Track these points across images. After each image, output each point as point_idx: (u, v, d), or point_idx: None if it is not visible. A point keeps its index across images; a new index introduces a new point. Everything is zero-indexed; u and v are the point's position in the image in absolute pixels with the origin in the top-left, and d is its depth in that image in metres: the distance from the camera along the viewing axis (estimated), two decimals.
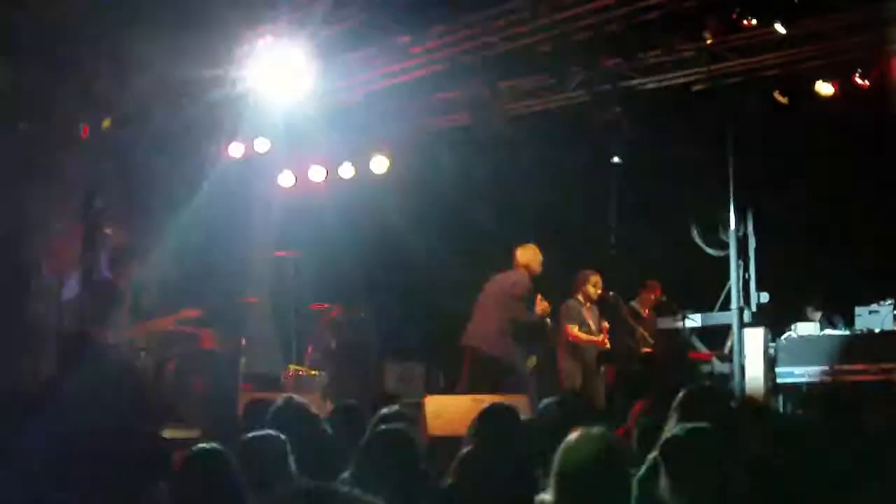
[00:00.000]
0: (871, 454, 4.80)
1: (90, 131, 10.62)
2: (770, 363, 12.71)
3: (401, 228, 14.41)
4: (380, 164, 14.16)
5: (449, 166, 14.20)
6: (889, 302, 12.26)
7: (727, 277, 13.62)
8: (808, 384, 12.20)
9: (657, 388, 7.87)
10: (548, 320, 10.90)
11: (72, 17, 9.92)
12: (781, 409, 11.97)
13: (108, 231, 11.07)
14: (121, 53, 10.47)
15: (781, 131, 12.72)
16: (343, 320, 12.82)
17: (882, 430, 6.56)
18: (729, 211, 13.60)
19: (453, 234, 14.19)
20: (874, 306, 12.31)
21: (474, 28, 11.57)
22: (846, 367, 11.97)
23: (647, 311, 12.15)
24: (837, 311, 12.70)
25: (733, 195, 13.60)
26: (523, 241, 12.47)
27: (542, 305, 10.74)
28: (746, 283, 13.59)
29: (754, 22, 10.64)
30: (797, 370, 12.31)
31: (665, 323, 12.66)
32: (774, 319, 13.12)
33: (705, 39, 11.52)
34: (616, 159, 13.51)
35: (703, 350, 13.64)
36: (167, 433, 7.55)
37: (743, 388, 12.70)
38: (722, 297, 13.80)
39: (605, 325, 11.61)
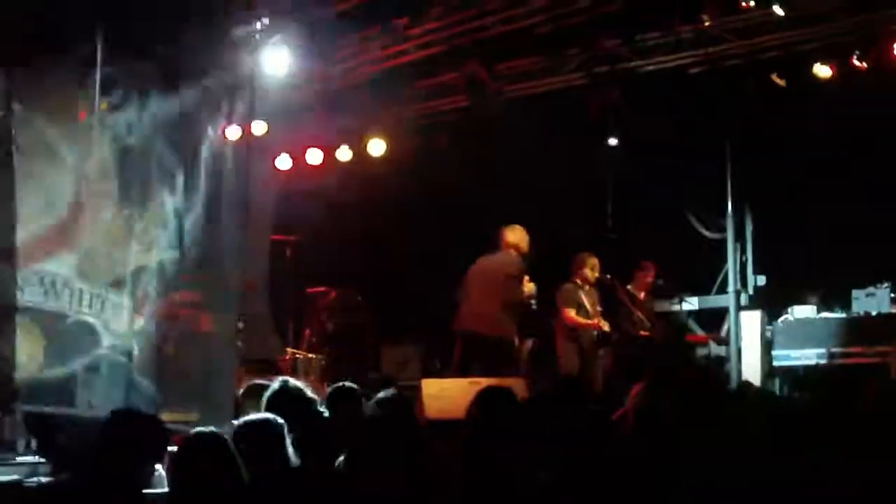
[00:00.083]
0: (867, 436, 4.81)
1: (87, 114, 10.57)
2: (767, 346, 12.74)
3: (398, 211, 14.41)
4: (377, 147, 14.14)
5: (446, 149, 14.19)
6: (886, 285, 12.26)
7: (725, 260, 13.65)
8: (805, 367, 12.22)
9: (655, 371, 7.88)
10: (532, 302, 10.86)
11: None
12: (778, 392, 11.99)
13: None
14: (118, 34, 10.44)
15: (779, 114, 12.70)
16: (340, 304, 12.81)
17: (878, 413, 6.57)
18: (726, 193, 13.62)
19: (450, 217, 14.18)
20: (871, 289, 12.31)
21: (471, 10, 11.55)
22: (843, 349, 11.99)
23: (642, 294, 12.14)
24: (834, 293, 12.69)
25: (731, 178, 13.61)
26: (521, 223, 12.49)
27: (528, 287, 10.72)
28: (743, 265, 13.62)
29: (752, 3, 10.62)
30: (794, 353, 12.33)
31: (662, 306, 12.66)
32: (771, 302, 13.14)
33: (703, 21, 11.50)
34: (613, 141, 13.49)
35: (701, 333, 13.66)
36: (164, 416, 7.54)
37: (740, 371, 12.73)
38: (719, 279, 13.83)
39: (598, 309, 11.59)
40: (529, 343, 13.16)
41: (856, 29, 11.40)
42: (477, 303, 10.61)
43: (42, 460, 6.25)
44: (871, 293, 12.29)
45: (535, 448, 4.63)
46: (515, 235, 10.84)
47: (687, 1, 11.13)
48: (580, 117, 12.97)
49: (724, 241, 13.75)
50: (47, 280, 9.32)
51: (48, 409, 7.24)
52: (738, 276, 13.66)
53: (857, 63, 11.39)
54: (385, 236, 14.46)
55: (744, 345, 13.02)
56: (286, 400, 5.61)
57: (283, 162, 14.50)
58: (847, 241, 12.48)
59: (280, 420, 4.98)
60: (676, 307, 12.65)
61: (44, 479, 5.49)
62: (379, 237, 14.48)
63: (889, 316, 12.08)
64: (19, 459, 6.65)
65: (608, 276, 11.69)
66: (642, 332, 11.64)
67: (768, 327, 12.79)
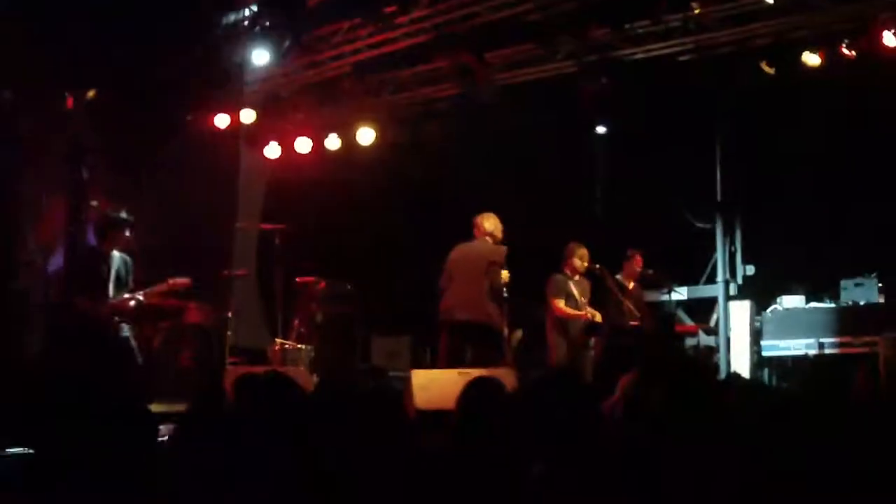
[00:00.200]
0: (856, 426, 4.80)
1: (75, 101, 10.56)
2: (756, 336, 12.77)
3: (388, 200, 14.40)
4: (366, 136, 14.12)
5: (435, 137, 14.17)
6: (874, 275, 12.29)
7: (714, 250, 13.66)
8: (794, 357, 12.24)
9: (644, 362, 7.87)
10: (504, 290, 10.83)
11: None
12: (767, 382, 12.01)
13: (94, 203, 11.01)
14: (106, 22, 10.42)
15: (768, 103, 12.71)
16: (329, 294, 12.78)
17: (866, 402, 6.58)
18: (716, 182, 13.62)
19: (439, 206, 14.17)
20: (859, 279, 12.33)
21: None
22: (832, 339, 12.02)
23: (632, 283, 12.13)
24: (823, 283, 12.71)
25: (720, 166, 13.61)
26: (510, 212, 12.46)
27: (503, 274, 10.72)
28: (732, 255, 13.63)
29: None
30: (783, 343, 12.36)
31: (652, 296, 12.67)
32: (760, 292, 13.16)
33: (693, 9, 11.49)
34: (601, 129, 13.49)
35: (690, 323, 13.67)
36: (153, 407, 7.51)
37: (729, 361, 12.75)
38: (708, 269, 13.84)
39: (583, 300, 11.57)
40: (519, 334, 13.15)
41: (845, 17, 11.39)
42: (464, 290, 10.58)
43: None
44: (860, 283, 12.32)
45: (526, 439, 4.62)
46: (491, 223, 10.83)
47: None
48: (570, 105, 12.94)
49: (713, 231, 13.76)
50: None
51: None
52: (727, 265, 13.68)
53: (846, 51, 11.39)
54: (375, 225, 14.45)
55: (733, 335, 13.04)
56: (276, 390, 5.59)
57: (272, 150, 14.48)
58: (836, 231, 12.51)
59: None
60: (665, 297, 12.64)
61: None
62: (368, 226, 14.46)
63: (877, 306, 12.11)
64: None
65: (597, 266, 11.68)
66: (632, 322, 11.62)
67: (757, 317, 12.81)
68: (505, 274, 10.67)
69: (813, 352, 12.08)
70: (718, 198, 13.64)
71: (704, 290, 13.88)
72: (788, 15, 11.53)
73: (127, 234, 9.30)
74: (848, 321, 12.09)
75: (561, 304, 11.44)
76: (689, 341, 13.13)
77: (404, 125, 14.33)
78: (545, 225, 13.59)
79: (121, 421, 4.58)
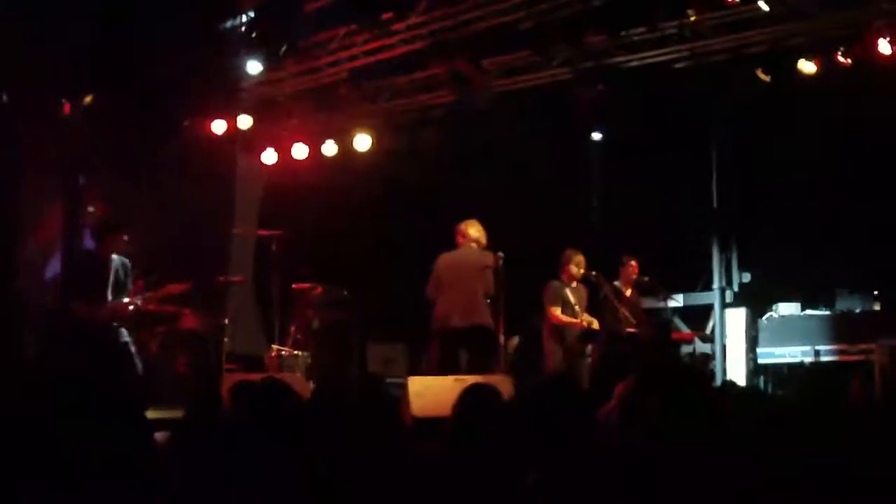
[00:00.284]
0: (851, 434, 4.82)
1: (72, 107, 10.56)
2: (752, 343, 12.78)
3: (384, 206, 14.40)
4: (363, 142, 14.13)
5: (432, 144, 14.18)
6: (870, 282, 12.31)
7: (710, 257, 13.67)
8: (790, 364, 12.26)
9: (641, 369, 7.88)
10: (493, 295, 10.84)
11: None
12: (763, 389, 12.02)
13: (90, 209, 11.02)
14: (103, 26, 10.43)
15: (765, 109, 12.74)
16: (326, 300, 12.77)
17: (862, 410, 6.59)
18: (712, 189, 13.64)
19: (436, 212, 14.17)
20: (855, 286, 12.37)
21: (457, 4, 11.54)
22: (827, 347, 12.03)
23: (629, 290, 12.13)
24: (818, 291, 12.73)
25: (716, 173, 13.63)
26: (507, 219, 12.48)
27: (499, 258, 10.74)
28: (728, 263, 13.64)
29: None
30: (778, 350, 12.37)
31: (648, 303, 12.68)
32: (756, 299, 13.17)
33: (689, 16, 11.51)
34: (597, 136, 13.51)
35: (686, 330, 13.68)
36: (149, 414, 7.51)
37: (724, 369, 12.76)
38: (704, 277, 13.85)
39: (576, 308, 11.57)
40: (515, 341, 13.17)
41: (840, 25, 11.42)
42: (459, 297, 10.55)
43: None
44: (855, 291, 12.34)
45: (522, 446, 4.63)
46: (476, 229, 10.82)
47: None
48: (566, 113, 12.96)
49: (709, 238, 13.77)
50: None
51: None
52: (723, 273, 13.70)
53: (841, 59, 11.41)
54: (371, 232, 14.45)
55: (728, 342, 13.06)
56: (273, 397, 5.59)
57: (269, 156, 14.49)
58: (831, 238, 12.53)
59: None
60: (662, 304, 12.66)
61: None
62: (365, 232, 14.46)
63: (873, 313, 12.13)
64: None
65: (594, 273, 11.69)
66: (628, 329, 11.63)
67: (753, 325, 12.82)
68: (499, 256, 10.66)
69: (809, 359, 12.10)
70: (714, 205, 13.65)
71: (700, 298, 13.89)
72: (783, 22, 11.56)
73: (125, 237, 9.29)
74: (844, 328, 12.11)
75: (557, 311, 11.45)
76: (686, 348, 13.15)
77: (401, 132, 14.34)
78: (541, 232, 13.61)
79: (117, 426, 4.59)
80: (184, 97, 11.82)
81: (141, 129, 11.20)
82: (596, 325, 11.56)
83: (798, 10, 10.94)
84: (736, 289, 13.62)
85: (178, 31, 10.77)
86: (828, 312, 12.42)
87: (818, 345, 12.07)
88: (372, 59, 12.75)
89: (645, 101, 12.84)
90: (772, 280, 13.24)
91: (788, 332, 12.42)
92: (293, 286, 12.51)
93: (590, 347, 11.75)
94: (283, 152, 14.40)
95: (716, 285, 13.58)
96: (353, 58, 12.82)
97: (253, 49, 11.14)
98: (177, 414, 7.12)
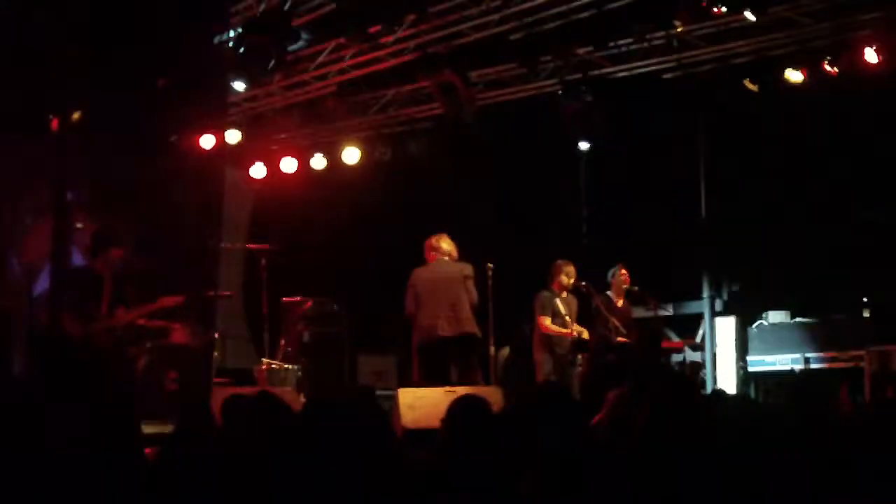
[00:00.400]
0: (841, 441, 4.83)
1: (59, 123, 10.54)
2: (742, 352, 12.78)
3: (373, 220, 14.40)
4: (351, 155, 14.15)
5: (420, 157, 14.19)
6: (859, 289, 12.33)
7: (699, 266, 13.67)
8: (780, 372, 12.26)
9: (631, 378, 7.89)
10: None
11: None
12: (753, 398, 12.02)
13: (79, 225, 11.00)
14: (90, 43, 10.43)
15: (752, 119, 12.78)
16: (316, 313, 12.77)
17: (851, 417, 6.60)
18: (700, 198, 13.66)
19: (426, 225, 14.16)
20: (843, 293, 12.39)
21: (445, 17, 11.57)
22: (817, 354, 12.04)
23: (620, 300, 12.12)
24: (808, 298, 12.75)
25: (704, 183, 13.65)
26: (496, 230, 12.52)
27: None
28: (718, 271, 13.65)
29: (724, 9, 10.65)
30: (768, 358, 12.38)
31: (638, 312, 12.69)
32: (746, 308, 13.18)
33: (675, 27, 11.55)
34: (584, 146, 13.53)
35: (676, 339, 13.68)
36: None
37: (715, 377, 12.77)
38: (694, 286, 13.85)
39: (568, 319, 11.57)
40: (506, 351, 13.17)
41: (826, 34, 11.48)
42: (445, 307, 10.51)
43: None
44: (844, 297, 12.36)
45: (513, 456, 4.63)
46: (447, 242, 10.81)
47: (659, 7, 11.16)
48: (554, 124, 12.98)
49: (699, 246, 13.78)
50: None
51: None
52: (713, 281, 13.71)
53: (828, 68, 11.46)
54: (361, 245, 14.45)
55: (719, 350, 13.06)
56: (265, 410, 5.58)
57: (258, 170, 14.50)
58: (821, 245, 12.55)
59: None
60: (651, 313, 12.66)
61: None
62: (355, 246, 14.46)
63: (862, 320, 12.15)
64: None
65: (583, 284, 11.69)
66: (619, 339, 11.64)
67: (743, 333, 12.83)
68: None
69: (799, 367, 12.10)
70: (703, 214, 13.67)
71: (690, 306, 13.90)
72: (769, 32, 11.61)
73: (119, 253, 9.30)
74: (833, 336, 12.12)
75: (547, 321, 11.45)
76: (676, 357, 13.15)
77: (390, 144, 14.36)
78: (531, 242, 13.63)
79: (108, 443, 4.58)
80: (172, 112, 11.82)
81: (128, 145, 11.17)
82: (586, 335, 11.57)
83: None
84: (725, 297, 13.63)
85: (166, 46, 10.77)
86: (818, 320, 12.43)
87: (808, 352, 12.08)
88: (360, 72, 12.77)
89: (632, 111, 12.88)
90: (761, 288, 13.25)
91: (778, 339, 12.43)
92: (283, 300, 12.50)
93: (580, 357, 11.75)
94: (272, 166, 14.41)
95: (705, 294, 13.59)
96: (341, 71, 12.85)
97: (241, 64, 11.13)
98: (167, 428, 7.12)
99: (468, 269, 10.64)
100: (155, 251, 10.81)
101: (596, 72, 12.58)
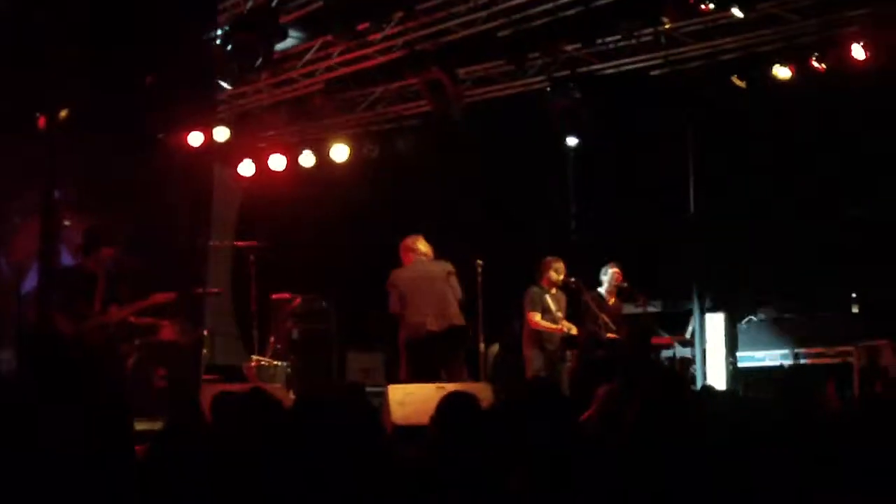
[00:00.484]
0: (829, 436, 4.84)
1: (47, 122, 10.52)
2: (731, 347, 12.79)
3: (361, 217, 14.40)
4: (340, 152, 14.14)
5: (408, 154, 14.20)
6: (847, 285, 12.37)
7: (689, 262, 13.68)
8: (769, 368, 12.28)
9: (620, 374, 7.92)
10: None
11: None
12: (742, 393, 12.04)
13: (66, 223, 10.99)
14: (78, 40, 10.41)
15: (740, 115, 12.80)
16: (305, 310, 12.78)
17: (839, 412, 6.62)
18: (689, 194, 13.67)
19: (415, 222, 14.17)
20: (833, 289, 12.42)
21: (432, 14, 11.56)
22: (806, 350, 12.06)
23: (612, 298, 12.13)
24: (797, 294, 12.77)
25: (693, 179, 13.66)
26: (485, 227, 12.52)
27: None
28: (707, 267, 13.66)
29: (712, 6, 10.67)
30: (758, 354, 12.40)
31: (627, 308, 12.70)
32: (735, 304, 13.20)
33: (663, 24, 11.56)
34: (571, 140, 13.53)
35: (665, 335, 13.69)
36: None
37: (705, 373, 12.78)
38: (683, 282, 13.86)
39: (559, 315, 11.58)
40: (495, 348, 13.18)
41: (813, 31, 11.50)
42: (432, 303, 10.48)
43: None
44: (832, 293, 12.39)
45: (503, 452, 4.63)
46: (423, 243, 10.80)
47: (646, 4, 11.18)
48: (542, 121, 12.99)
49: (688, 242, 13.79)
50: None
51: None
52: (702, 277, 13.71)
53: (815, 65, 11.49)
54: (349, 242, 14.45)
55: (708, 347, 13.07)
56: (258, 407, 5.57)
57: (246, 168, 14.49)
58: (810, 241, 12.58)
59: None
60: (640, 309, 12.68)
61: None
62: (343, 243, 14.46)
63: (851, 316, 12.18)
64: None
65: (573, 280, 11.70)
66: (608, 335, 11.66)
67: (732, 329, 12.84)
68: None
69: (788, 362, 12.12)
70: (691, 210, 13.68)
71: (679, 303, 13.91)
72: (757, 29, 11.63)
73: (112, 251, 9.30)
74: (822, 331, 12.14)
75: (537, 317, 11.46)
76: (665, 353, 13.16)
77: (377, 141, 14.36)
78: (519, 240, 13.65)
79: (101, 441, 4.58)
80: (160, 110, 11.80)
81: (117, 142, 11.16)
82: (574, 331, 11.58)
83: None
84: (715, 293, 13.64)
85: (155, 44, 10.76)
86: (806, 316, 12.45)
87: (797, 348, 12.10)
88: (348, 69, 12.77)
89: (621, 108, 12.90)
90: (750, 284, 13.27)
91: (768, 335, 12.44)
92: (272, 297, 12.50)
93: (569, 353, 11.76)
94: (261, 163, 14.40)
95: (695, 290, 13.60)
96: (329, 69, 12.84)
97: (229, 61, 11.11)
98: (156, 425, 7.11)
99: (450, 266, 10.63)
100: (143, 249, 10.79)
101: (584, 68, 12.60)
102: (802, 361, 12.01)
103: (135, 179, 11.47)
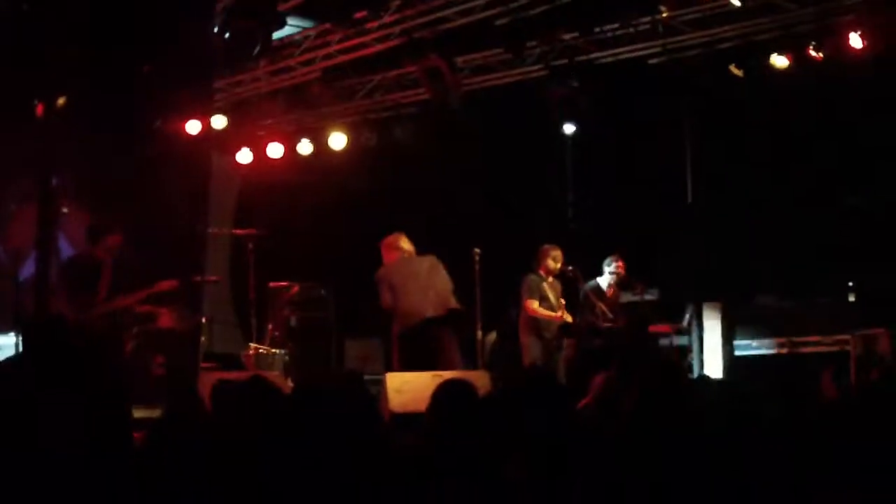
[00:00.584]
0: (825, 425, 4.86)
1: (44, 109, 10.51)
2: (728, 336, 12.80)
3: (359, 205, 14.41)
4: (338, 141, 14.15)
5: (406, 142, 14.20)
6: (844, 273, 12.38)
7: (685, 250, 13.69)
8: (766, 356, 12.30)
9: (617, 363, 7.92)
10: None
11: None
12: (739, 382, 12.06)
13: (64, 210, 11.00)
14: (75, 28, 10.40)
15: (738, 104, 12.80)
16: (303, 298, 12.79)
17: (836, 400, 6.64)
18: (686, 183, 13.68)
19: (413, 210, 14.19)
20: (828, 278, 12.43)
21: (430, 2, 11.56)
22: (803, 338, 12.08)
23: (612, 289, 12.12)
24: (795, 283, 12.79)
25: (690, 167, 13.67)
26: (483, 215, 12.52)
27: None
28: (704, 255, 13.66)
29: None
30: (755, 342, 12.42)
31: (624, 297, 12.71)
32: (733, 292, 13.20)
33: (661, 12, 11.57)
34: (568, 128, 13.51)
35: (662, 324, 13.70)
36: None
37: (702, 361, 12.80)
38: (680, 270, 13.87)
39: (562, 301, 11.60)
40: (493, 336, 13.18)
41: (811, 19, 11.51)
42: (426, 292, 10.46)
43: None
44: (829, 282, 12.40)
45: (500, 440, 4.65)
46: (406, 242, 10.80)
47: None
48: (540, 110, 13.00)
49: (686, 230, 13.79)
50: None
51: None
52: (699, 265, 13.72)
53: (813, 53, 11.50)
54: (347, 230, 14.45)
55: (705, 335, 13.08)
56: (258, 395, 5.58)
57: (244, 156, 14.49)
58: (807, 229, 12.59)
59: None
60: (637, 297, 12.69)
61: None
62: (341, 231, 14.47)
63: (849, 304, 12.20)
64: None
65: (570, 268, 11.71)
66: (605, 324, 11.67)
67: (730, 317, 12.85)
68: None
69: (785, 351, 12.14)
70: (689, 198, 13.69)
71: (677, 291, 13.91)
72: (754, 17, 11.63)
73: (119, 239, 9.40)
74: (819, 320, 12.16)
75: (535, 304, 11.46)
76: (662, 341, 13.17)
77: (376, 130, 14.37)
78: (517, 228, 13.65)
79: (96, 428, 4.59)
80: (157, 98, 11.80)
81: (113, 130, 11.15)
82: (570, 319, 11.59)
83: None
84: (712, 282, 13.64)
85: (152, 32, 10.75)
86: (803, 304, 12.46)
87: (794, 336, 12.12)
88: (346, 57, 12.76)
89: (618, 96, 12.91)
90: (747, 273, 13.28)
91: (765, 324, 12.47)
92: (270, 285, 12.52)
93: (566, 341, 11.77)
94: (259, 151, 14.41)
95: (692, 278, 13.60)
96: (327, 56, 12.84)
97: (227, 49, 11.11)
98: (154, 413, 7.12)
99: (434, 259, 10.65)
100: (141, 237, 10.80)
101: (582, 57, 12.60)
102: (799, 350, 12.04)
103: (132, 167, 11.46)
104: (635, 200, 13.76)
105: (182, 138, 12.64)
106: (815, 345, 12.00)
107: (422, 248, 10.88)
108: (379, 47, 12.43)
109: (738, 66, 12.05)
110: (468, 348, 10.99)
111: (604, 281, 12.05)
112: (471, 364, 10.92)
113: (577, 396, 6.35)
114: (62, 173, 10.96)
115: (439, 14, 11.75)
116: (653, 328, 12.91)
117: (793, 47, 11.70)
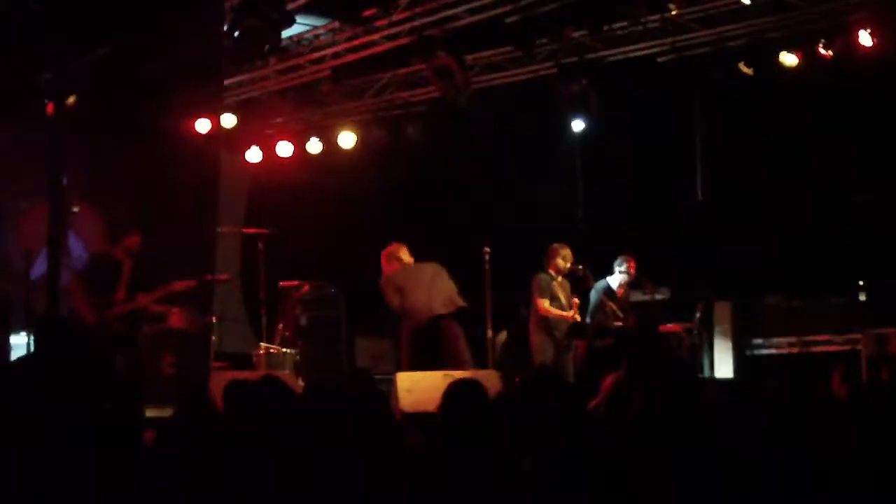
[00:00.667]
0: (837, 424, 4.85)
1: (55, 108, 10.53)
2: (739, 335, 12.78)
3: (370, 203, 14.41)
4: (347, 139, 14.16)
5: (416, 140, 14.20)
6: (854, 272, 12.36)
7: (696, 249, 13.66)
8: (777, 355, 12.28)
9: (628, 362, 7.92)
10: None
11: None
12: (750, 381, 12.05)
13: (75, 209, 11.03)
14: (85, 26, 10.43)
15: (747, 102, 12.78)
16: (313, 297, 12.80)
17: (847, 400, 6.64)
18: (696, 182, 13.66)
19: (422, 208, 14.20)
20: (840, 277, 12.42)
21: (439, 0, 11.56)
22: (814, 337, 12.06)
23: (622, 288, 12.10)
24: (806, 282, 12.76)
25: (700, 166, 13.66)
26: (492, 214, 12.51)
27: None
28: (715, 254, 13.64)
29: None
30: (766, 341, 12.40)
31: (635, 296, 12.70)
32: (743, 291, 13.19)
33: (670, 10, 11.55)
34: (579, 125, 13.49)
35: (673, 323, 13.67)
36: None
37: (712, 361, 12.78)
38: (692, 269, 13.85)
39: (576, 300, 11.58)
40: (503, 335, 13.17)
41: (820, 17, 11.48)
42: (434, 292, 10.66)
43: None
44: (840, 280, 12.38)
45: (511, 439, 4.65)
46: (406, 252, 10.97)
47: None
48: (550, 107, 12.99)
49: (694, 229, 13.77)
50: None
51: None
52: (711, 264, 13.69)
53: (822, 51, 11.47)
54: (357, 228, 14.45)
55: (716, 334, 13.06)
56: (270, 394, 5.59)
57: (254, 155, 14.50)
58: (819, 228, 12.57)
59: None
60: (648, 297, 12.67)
61: None
62: (351, 229, 14.46)
63: (859, 303, 12.17)
64: None
65: (580, 267, 11.70)
66: (616, 323, 11.66)
67: (740, 316, 12.83)
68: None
69: (796, 350, 12.13)
70: (699, 197, 13.67)
71: (687, 289, 13.88)
72: (763, 15, 11.62)
73: (139, 239, 9.49)
74: (830, 319, 12.14)
75: (546, 303, 11.45)
76: (673, 341, 13.15)
77: (385, 128, 14.37)
78: (527, 227, 13.64)
79: (108, 427, 4.60)
80: (166, 98, 11.81)
81: (123, 129, 11.17)
82: (578, 318, 11.58)
83: None
84: (723, 280, 13.62)
85: (162, 30, 10.76)
86: (815, 303, 12.44)
87: (805, 335, 12.10)
88: (355, 56, 12.76)
89: (628, 94, 12.90)
90: (758, 271, 13.25)
91: (776, 323, 12.45)
92: (280, 284, 12.52)
93: (575, 341, 11.76)
94: (268, 150, 14.43)
95: (703, 277, 13.57)
96: (336, 55, 12.84)
97: (236, 48, 11.11)
98: (165, 412, 7.13)
99: (438, 266, 10.81)
100: (151, 235, 10.81)
101: (591, 55, 12.59)
102: (810, 349, 12.02)
103: (142, 166, 11.48)
104: (645, 199, 13.74)
105: (191, 137, 12.66)
106: (825, 344, 11.99)
107: (432, 247, 10.93)
108: (388, 45, 12.42)
109: (747, 65, 12.04)
110: (478, 347, 11.00)
111: (614, 280, 12.04)
112: (481, 363, 10.92)
113: (587, 396, 6.35)
114: (72, 172, 10.98)
115: (449, 12, 11.75)
116: (663, 328, 12.90)
117: (802, 45, 11.69)
